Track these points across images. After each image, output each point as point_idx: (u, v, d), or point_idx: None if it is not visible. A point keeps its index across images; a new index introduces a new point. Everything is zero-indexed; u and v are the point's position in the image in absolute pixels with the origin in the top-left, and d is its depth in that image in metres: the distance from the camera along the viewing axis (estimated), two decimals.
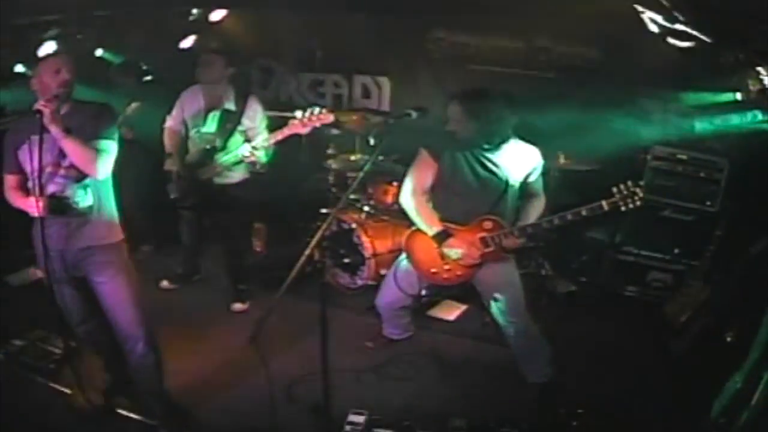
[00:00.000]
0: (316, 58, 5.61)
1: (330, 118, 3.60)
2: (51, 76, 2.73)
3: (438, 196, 3.19)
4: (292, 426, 3.05)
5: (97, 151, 2.75)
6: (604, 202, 2.86)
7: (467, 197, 3.07)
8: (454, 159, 3.07)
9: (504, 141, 3.05)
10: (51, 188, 2.77)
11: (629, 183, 2.85)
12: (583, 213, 2.90)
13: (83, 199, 2.83)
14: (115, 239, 2.96)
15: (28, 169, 2.78)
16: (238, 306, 4.23)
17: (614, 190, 2.85)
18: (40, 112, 2.61)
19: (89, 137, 2.75)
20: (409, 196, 3.16)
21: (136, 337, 2.96)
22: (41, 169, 2.67)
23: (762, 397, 2.62)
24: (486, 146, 3.03)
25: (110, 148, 2.81)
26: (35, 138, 2.66)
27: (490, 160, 3.03)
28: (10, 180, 2.88)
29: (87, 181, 2.80)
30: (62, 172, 2.78)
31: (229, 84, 4.01)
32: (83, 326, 3.02)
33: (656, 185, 4.26)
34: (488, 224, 3.03)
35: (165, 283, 4.52)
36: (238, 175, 4.04)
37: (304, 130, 3.63)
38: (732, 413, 2.77)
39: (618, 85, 4.48)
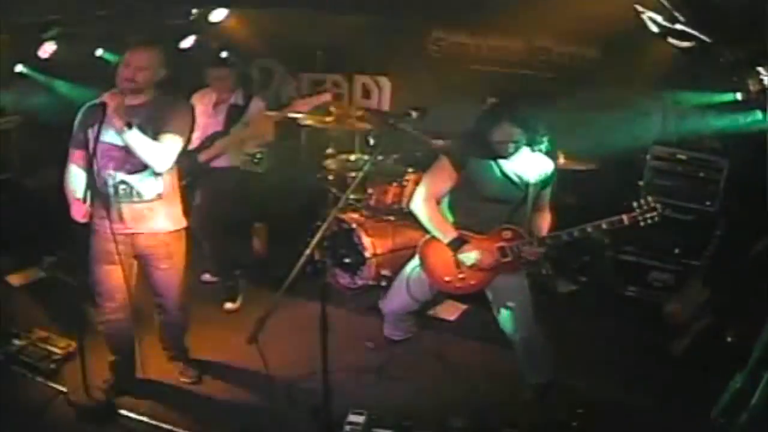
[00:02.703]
0: (316, 58, 5.61)
1: (328, 96, 3.72)
2: (122, 69, 2.84)
3: (458, 203, 3.14)
4: (292, 426, 3.05)
5: (159, 145, 2.84)
6: (624, 217, 2.86)
7: (488, 206, 3.03)
8: (478, 168, 3.03)
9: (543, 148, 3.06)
10: (120, 175, 2.89)
11: (650, 199, 2.85)
12: (603, 226, 2.90)
13: (150, 187, 2.95)
14: (180, 226, 3.13)
15: (92, 148, 2.87)
16: (228, 305, 4.25)
17: (635, 204, 2.84)
18: (105, 104, 2.73)
19: (158, 130, 2.85)
20: (422, 202, 3.09)
21: (172, 302, 3.23)
22: (96, 153, 2.81)
23: (762, 397, 2.63)
24: (516, 154, 3.00)
25: (173, 143, 2.90)
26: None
27: (512, 170, 3.01)
28: (76, 155, 2.97)
29: (162, 172, 2.91)
30: (131, 159, 2.87)
31: (237, 85, 4.24)
32: (116, 314, 3.09)
33: (656, 185, 4.26)
34: (508, 233, 3.00)
35: (207, 276, 4.57)
36: (233, 158, 4.21)
37: (306, 108, 3.80)
38: (732, 413, 2.78)
39: (618, 85, 4.48)
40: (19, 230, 4.30)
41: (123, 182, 2.90)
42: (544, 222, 3.15)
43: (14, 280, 4.37)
